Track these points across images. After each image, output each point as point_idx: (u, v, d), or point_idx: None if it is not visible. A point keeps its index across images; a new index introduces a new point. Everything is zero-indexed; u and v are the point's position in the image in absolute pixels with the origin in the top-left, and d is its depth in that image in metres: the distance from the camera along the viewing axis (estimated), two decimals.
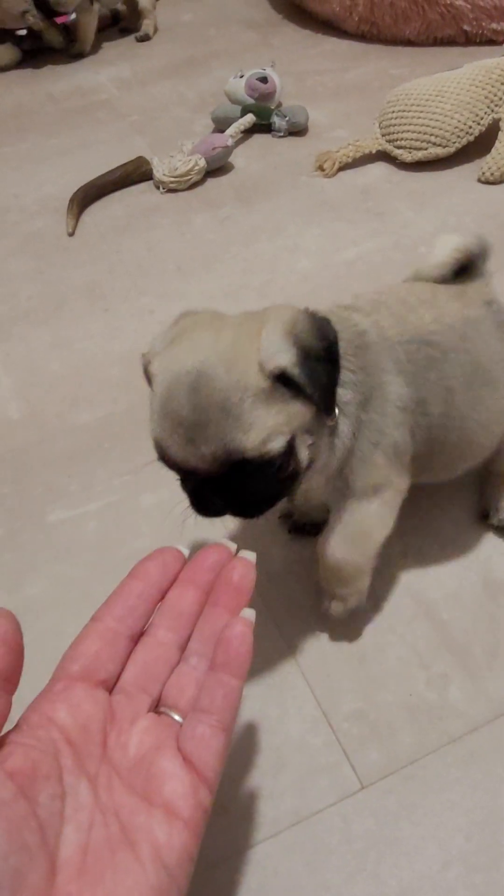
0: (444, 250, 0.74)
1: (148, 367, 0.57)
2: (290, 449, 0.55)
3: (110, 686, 0.46)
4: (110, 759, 0.43)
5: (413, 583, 0.80)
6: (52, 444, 0.99)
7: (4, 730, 0.41)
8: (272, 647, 0.75)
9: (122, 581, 0.51)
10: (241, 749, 0.68)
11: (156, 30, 2.16)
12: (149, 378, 0.57)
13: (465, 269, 0.75)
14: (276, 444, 0.53)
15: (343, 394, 0.61)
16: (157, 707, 0.47)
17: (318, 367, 0.54)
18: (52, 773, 0.40)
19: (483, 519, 0.84)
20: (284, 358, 0.53)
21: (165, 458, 0.55)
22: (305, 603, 0.79)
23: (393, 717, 0.70)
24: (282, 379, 0.53)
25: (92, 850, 0.38)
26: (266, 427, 0.52)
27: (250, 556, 0.53)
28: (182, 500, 0.60)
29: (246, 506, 0.57)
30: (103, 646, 0.46)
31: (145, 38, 2.13)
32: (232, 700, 0.46)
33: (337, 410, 0.60)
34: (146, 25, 2.15)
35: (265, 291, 1.20)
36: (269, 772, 0.67)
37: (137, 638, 0.49)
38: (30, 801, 0.38)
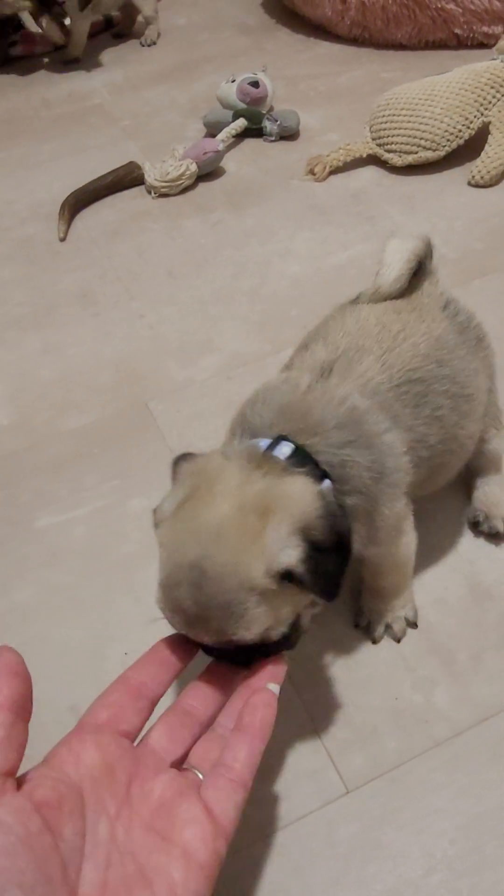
0: (399, 263, 0.71)
1: (156, 528, 0.58)
2: (295, 625, 0.57)
3: (133, 738, 0.48)
4: (132, 803, 0.44)
5: None
6: (41, 449, 0.99)
7: (26, 765, 0.42)
8: None
9: (150, 649, 0.54)
10: None
11: (159, 34, 2.17)
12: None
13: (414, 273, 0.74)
14: (277, 633, 0.55)
15: (351, 501, 0.59)
16: (181, 766, 0.49)
17: (325, 560, 0.53)
18: (77, 808, 0.41)
19: (474, 527, 0.85)
20: (291, 556, 0.52)
21: (171, 623, 0.56)
22: None
23: (379, 721, 0.70)
24: (287, 576, 0.52)
25: (110, 888, 0.39)
26: (268, 622, 0.53)
27: (274, 688, 0.54)
28: None
29: (248, 663, 0.58)
30: (129, 700, 0.49)
31: (152, 44, 2.15)
32: (253, 759, 0.49)
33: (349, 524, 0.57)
34: (151, 31, 2.15)
35: (256, 296, 1.20)
36: (256, 777, 0.67)
37: (156, 702, 0.51)
38: (54, 835, 0.39)
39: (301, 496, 0.54)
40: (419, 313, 0.71)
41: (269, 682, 0.53)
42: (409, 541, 0.71)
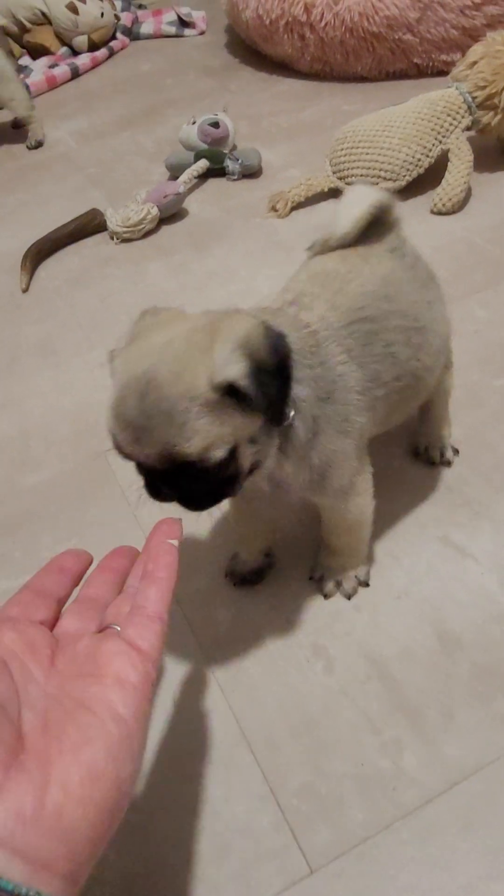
0: (350, 217, 0.73)
1: (111, 364, 0.60)
2: (232, 456, 0.57)
3: (50, 627, 0.48)
4: (58, 669, 0.44)
5: (366, 639, 0.76)
6: None
7: None
8: (218, 719, 0.71)
9: (49, 562, 0.53)
10: (181, 836, 0.64)
11: (44, 134, 1.95)
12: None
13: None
14: (217, 453, 0.56)
15: (300, 391, 0.62)
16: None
17: (268, 381, 0.55)
18: (4, 672, 0.41)
19: (416, 455, 0.92)
20: (234, 371, 0.54)
21: (118, 448, 0.58)
22: (254, 669, 0.75)
23: (344, 790, 0.65)
24: (230, 391, 0.54)
25: (52, 721, 0.40)
26: (209, 436, 0.54)
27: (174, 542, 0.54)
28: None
29: (190, 499, 0.60)
30: (36, 598, 0.49)
31: (38, 144, 1.92)
32: (164, 596, 0.49)
33: (293, 411, 0.61)
34: (34, 130, 1.92)
35: None
36: (213, 859, 0.63)
37: (62, 603, 0.51)
38: None
39: (247, 322, 0.57)
40: (364, 257, 0.73)
41: (167, 538, 0.53)
42: (363, 503, 0.73)
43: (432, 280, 0.78)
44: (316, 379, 0.63)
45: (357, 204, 0.73)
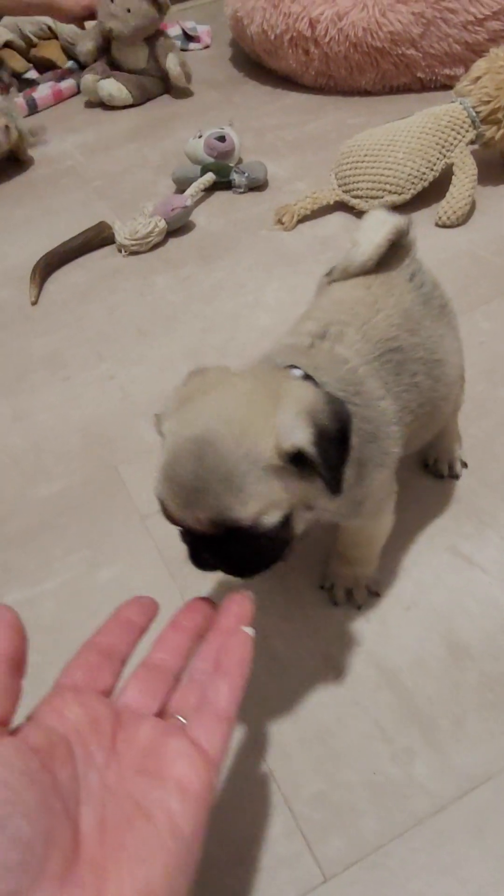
0: (371, 244, 0.73)
1: (159, 428, 0.58)
2: (286, 522, 0.56)
3: (110, 696, 0.47)
4: (119, 753, 0.43)
5: (376, 650, 0.77)
6: (10, 520, 0.98)
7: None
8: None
9: (112, 614, 0.52)
10: None
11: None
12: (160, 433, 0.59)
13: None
14: (272, 519, 0.55)
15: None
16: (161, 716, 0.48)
17: (331, 448, 0.54)
18: (68, 756, 0.41)
19: (424, 467, 0.94)
20: (302, 438, 0.53)
21: (166, 513, 0.56)
22: (265, 679, 0.76)
23: (356, 799, 0.66)
24: (294, 458, 0.53)
25: (110, 824, 0.39)
26: (266, 501, 0.53)
27: (249, 630, 0.53)
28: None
29: (237, 567, 0.59)
30: (101, 660, 0.48)
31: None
32: (235, 695, 0.48)
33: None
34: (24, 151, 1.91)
35: (225, 351, 1.19)
36: (227, 867, 0.63)
37: (126, 661, 0.50)
38: (52, 776, 0.39)
39: (308, 388, 0.57)
40: (388, 287, 0.74)
41: (240, 624, 0.52)
42: (388, 520, 0.75)
43: (446, 308, 0.79)
44: (362, 421, 0.63)
45: (377, 230, 0.73)
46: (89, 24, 2.24)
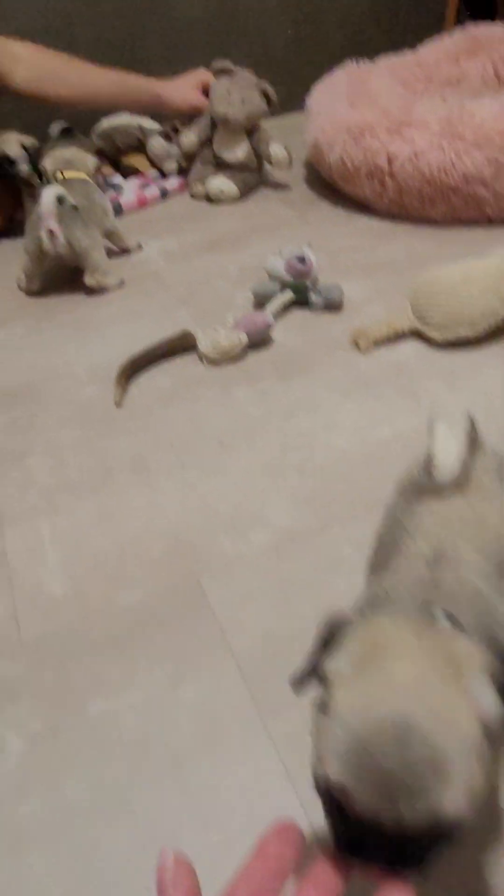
0: (450, 456, 0.74)
1: (329, 689, 0.51)
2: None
3: None
4: None
5: None
6: (96, 625, 1.01)
7: None
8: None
9: (245, 861, 0.47)
10: None
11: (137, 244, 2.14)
12: (324, 700, 0.52)
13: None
14: (476, 806, 0.49)
15: None
16: None
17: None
18: None
19: None
20: (496, 706, 0.49)
21: (353, 808, 0.48)
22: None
23: None
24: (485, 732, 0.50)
25: None
26: (474, 789, 0.47)
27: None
28: None
29: (412, 860, 0.49)
30: None
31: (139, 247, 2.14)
32: None
33: None
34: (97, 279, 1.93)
35: (304, 470, 1.24)
36: None
37: None
38: None
39: (475, 648, 0.53)
40: (482, 493, 0.74)
41: None
42: None
43: None
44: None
45: (452, 440, 0.75)
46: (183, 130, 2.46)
